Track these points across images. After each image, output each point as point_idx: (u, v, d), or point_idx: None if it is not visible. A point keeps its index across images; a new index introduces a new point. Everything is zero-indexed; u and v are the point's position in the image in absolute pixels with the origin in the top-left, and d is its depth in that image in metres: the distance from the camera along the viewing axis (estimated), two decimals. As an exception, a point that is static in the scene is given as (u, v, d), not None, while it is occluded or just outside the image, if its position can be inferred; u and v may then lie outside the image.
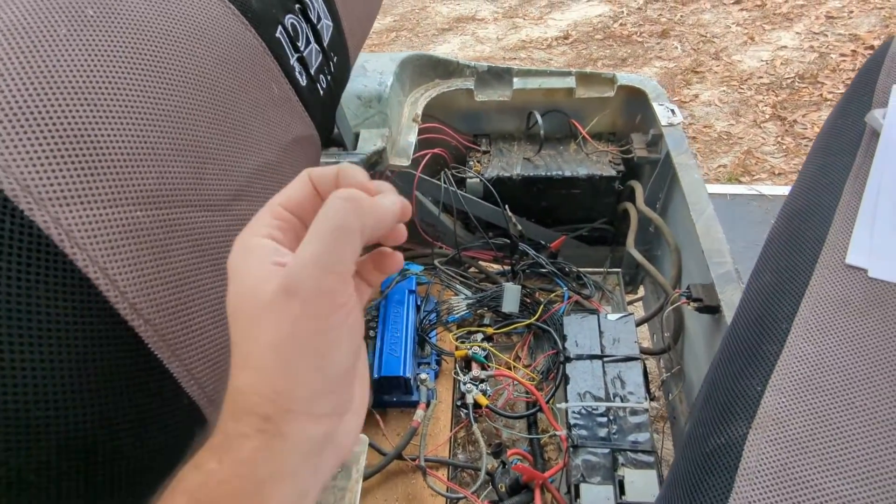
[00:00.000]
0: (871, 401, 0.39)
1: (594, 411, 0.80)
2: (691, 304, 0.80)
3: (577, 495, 0.71)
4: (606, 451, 0.75)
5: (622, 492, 0.71)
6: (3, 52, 0.25)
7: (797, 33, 3.39)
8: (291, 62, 0.47)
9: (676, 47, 3.46)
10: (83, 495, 0.26)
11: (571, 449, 0.76)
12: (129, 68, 0.31)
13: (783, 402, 0.40)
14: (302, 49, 0.49)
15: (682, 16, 3.73)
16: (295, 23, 0.49)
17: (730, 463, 0.38)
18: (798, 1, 3.60)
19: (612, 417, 0.79)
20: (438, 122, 1.20)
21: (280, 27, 0.46)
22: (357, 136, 0.98)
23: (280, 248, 0.27)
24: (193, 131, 0.34)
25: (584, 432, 0.77)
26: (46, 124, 0.26)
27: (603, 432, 0.77)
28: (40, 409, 0.23)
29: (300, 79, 0.49)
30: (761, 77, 3.09)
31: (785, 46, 3.29)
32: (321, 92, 0.54)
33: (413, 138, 1.07)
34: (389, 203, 0.27)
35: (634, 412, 0.79)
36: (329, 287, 0.24)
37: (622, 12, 3.87)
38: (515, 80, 1.18)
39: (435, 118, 1.19)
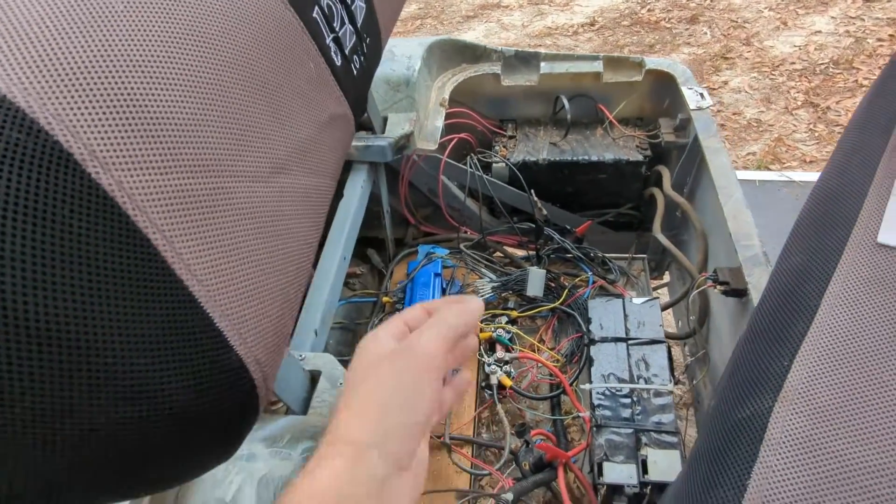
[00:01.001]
0: (899, 374, 0.39)
1: (618, 392, 0.80)
2: (718, 287, 0.80)
3: (601, 473, 0.72)
4: (630, 431, 0.76)
5: (645, 471, 0.72)
6: (67, 21, 0.27)
7: (832, 17, 3.29)
8: (327, 42, 0.48)
9: (706, 33, 3.39)
10: (142, 445, 0.28)
11: (595, 428, 0.77)
12: (178, 42, 0.33)
13: (810, 375, 0.40)
14: (337, 29, 0.51)
15: (711, 0, 3.65)
16: (330, 3, 0.50)
17: (755, 434, 0.39)
18: (834, -16, 3.50)
19: (635, 399, 0.79)
20: (465, 107, 1.20)
21: (316, 7, 0.47)
22: (385, 119, 1.00)
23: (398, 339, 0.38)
24: (237, 104, 0.36)
25: (607, 413, 0.78)
26: (109, 90, 0.27)
27: (626, 413, 0.78)
28: (108, 356, 0.25)
29: (335, 59, 0.50)
30: (794, 63, 3.02)
31: (819, 31, 3.20)
32: (355, 73, 0.55)
33: (440, 123, 1.07)
34: (475, 306, 0.41)
35: (658, 394, 0.79)
36: (434, 352, 0.36)
37: (650, -3, 3.81)
38: (542, 64, 1.18)
39: (461, 103, 1.20)
